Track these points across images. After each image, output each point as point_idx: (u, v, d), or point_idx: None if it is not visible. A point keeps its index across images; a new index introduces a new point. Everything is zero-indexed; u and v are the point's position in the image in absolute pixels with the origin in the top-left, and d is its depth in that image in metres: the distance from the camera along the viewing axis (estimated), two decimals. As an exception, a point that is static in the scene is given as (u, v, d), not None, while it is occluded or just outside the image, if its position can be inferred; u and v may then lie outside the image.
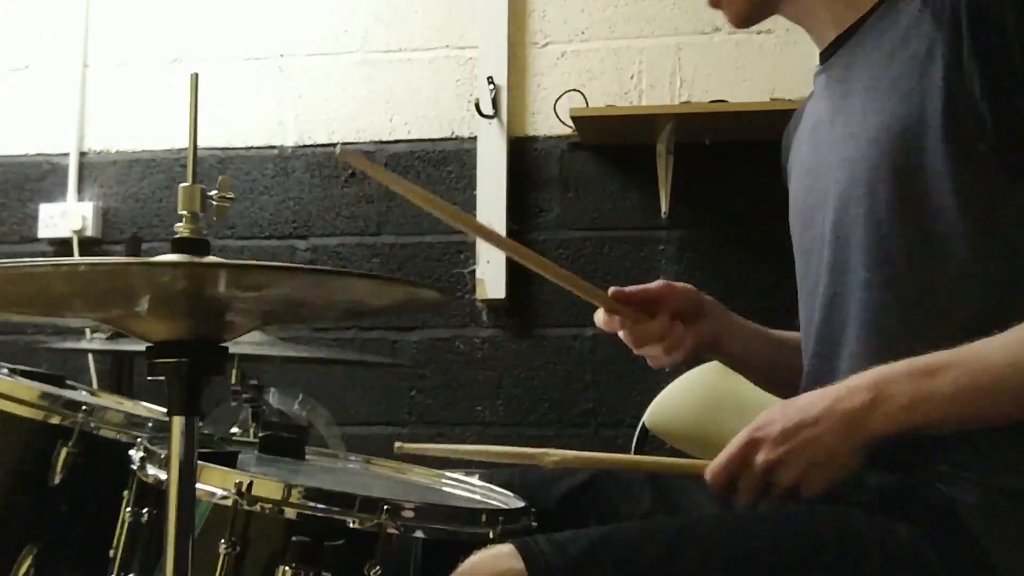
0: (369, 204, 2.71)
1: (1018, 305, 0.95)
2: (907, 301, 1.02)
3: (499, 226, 2.58)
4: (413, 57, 2.73)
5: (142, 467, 1.12)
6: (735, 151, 2.51)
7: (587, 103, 2.57)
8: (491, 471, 1.28)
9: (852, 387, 0.97)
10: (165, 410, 0.88)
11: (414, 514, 0.98)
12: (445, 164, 2.68)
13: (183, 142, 2.77)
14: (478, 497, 1.23)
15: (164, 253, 0.87)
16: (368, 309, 1.04)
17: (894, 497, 1.00)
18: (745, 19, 1.19)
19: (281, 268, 0.87)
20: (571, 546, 0.94)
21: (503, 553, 0.93)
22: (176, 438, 0.87)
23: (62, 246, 2.82)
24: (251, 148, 2.78)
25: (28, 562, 1.25)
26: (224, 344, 0.91)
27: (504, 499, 1.17)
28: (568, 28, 2.65)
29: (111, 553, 1.15)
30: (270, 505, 0.98)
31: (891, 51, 1.04)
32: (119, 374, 2.65)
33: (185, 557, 0.86)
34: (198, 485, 0.93)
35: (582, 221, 2.60)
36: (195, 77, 0.88)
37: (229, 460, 1.11)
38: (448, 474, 1.31)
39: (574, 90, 2.59)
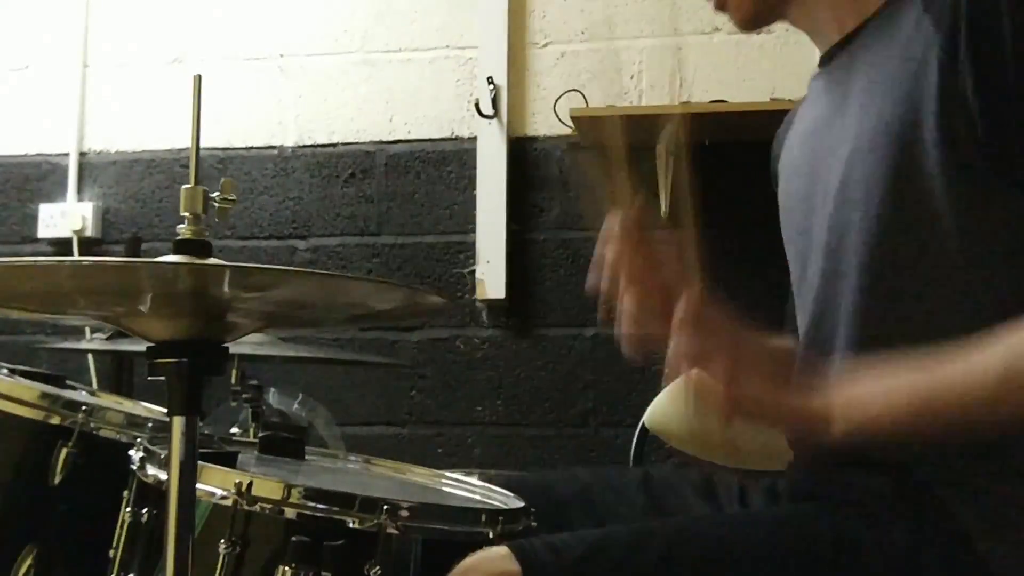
0: (369, 204, 2.71)
1: (1012, 308, 0.95)
2: (900, 304, 1.02)
3: (499, 226, 2.59)
4: (413, 57, 2.73)
5: (142, 467, 1.12)
6: (735, 151, 2.51)
7: (587, 103, 2.57)
8: (488, 474, 1.29)
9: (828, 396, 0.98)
10: (165, 410, 0.88)
11: (414, 514, 0.98)
12: (445, 164, 2.68)
13: (183, 142, 2.79)
14: (478, 497, 1.23)
15: (164, 253, 0.87)
16: (370, 313, 1.04)
17: (891, 500, 1.00)
18: (750, 22, 1.19)
19: (283, 271, 0.87)
20: (568, 550, 0.94)
21: (498, 555, 0.93)
22: (176, 438, 0.87)
23: (62, 246, 2.82)
24: (251, 148, 2.78)
25: (28, 562, 1.25)
26: (225, 344, 0.91)
27: (504, 499, 1.17)
28: (568, 28, 2.65)
29: (111, 553, 1.15)
30: (270, 505, 0.98)
31: (890, 54, 1.04)
32: (119, 374, 2.65)
33: (185, 557, 0.86)
34: (198, 485, 0.93)
35: (582, 221, 2.60)
36: (198, 79, 0.88)
37: (229, 460, 1.11)
38: (448, 474, 1.31)
39: (574, 90, 2.59)
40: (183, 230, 0.88)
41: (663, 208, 2.54)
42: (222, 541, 0.99)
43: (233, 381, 1.93)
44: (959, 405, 0.91)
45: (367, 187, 2.71)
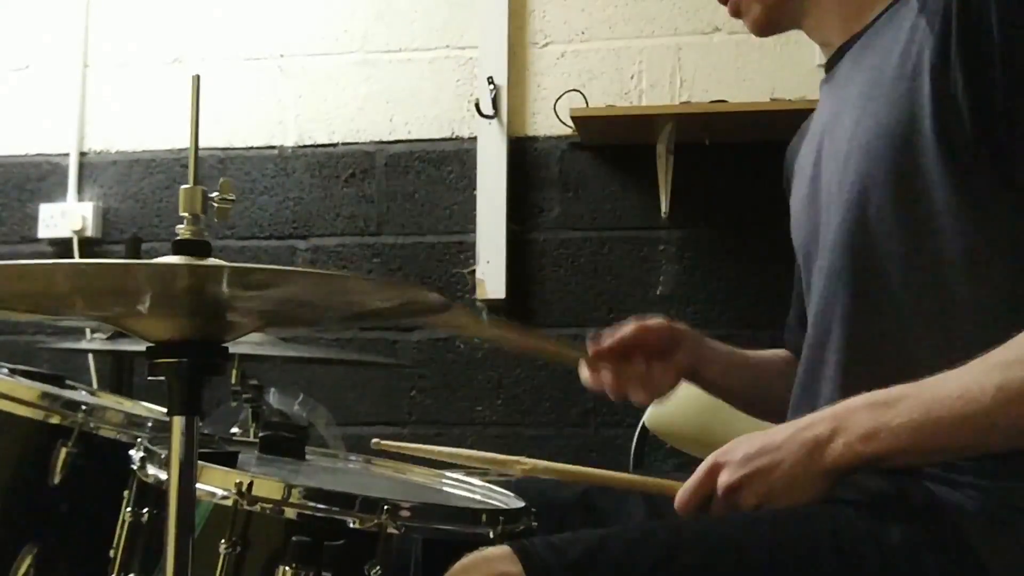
0: (369, 204, 2.71)
1: (1013, 308, 0.95)
2: (897, 307, 1.02)
3: (499, 226, 2.59)
4: (413, 57, 2.73)
5: (142, 467, 1.12)
6: (735, 151, 2.51)
7: (587, 103, 2.57)
8: (489, 478, 1.29)
9: (815, 418, 0.98)
10: (165, 410, 0.88)
11: (414, 514, 0.98)
12: (445, 164, 2.68)
13: (183, 142, 2.79)
14: (478, 497, 1.23)
15: (164, 253, 0.87)
16: (370, 312, 1.04)
17: (890, 500, 1.00)
18: (765, 28, 1.21)
19: (283, 270, 0.87)
20: (569, 549, 0.94)
21: (498, 555, 0.93)
22: (176, 438, 0.87)
23: (62, 246, 2.82)
24: (251, 148, 2.78)
25: (28, 562, 1.25)
26: (225, 344, 0.91)
27: (504, 499, 1.17)
28: (568, 28, 2.66)
29: (111, 553, 1.15)
30: (270, 505, 0.98)
31: (888, 57, 1.05)
32: (119, 374, 2.65)
33: (185, 557, 0.86)
34: (198, 485, 0.93)
35: (582, 221, 2.60)
36: (197, 79, 0.88)
37: (229, 460, 1.11)
38: (448, 474, 1.31)
39: (574, 90, 2.59)
40: (182, 230, 0.87)
41: (663, 208, 2.54)
42: (222, 541, 0.99)
43: (233, 381, 1.93)
44: (958, 428, 0.92)
45: (367, 187, 2.71)
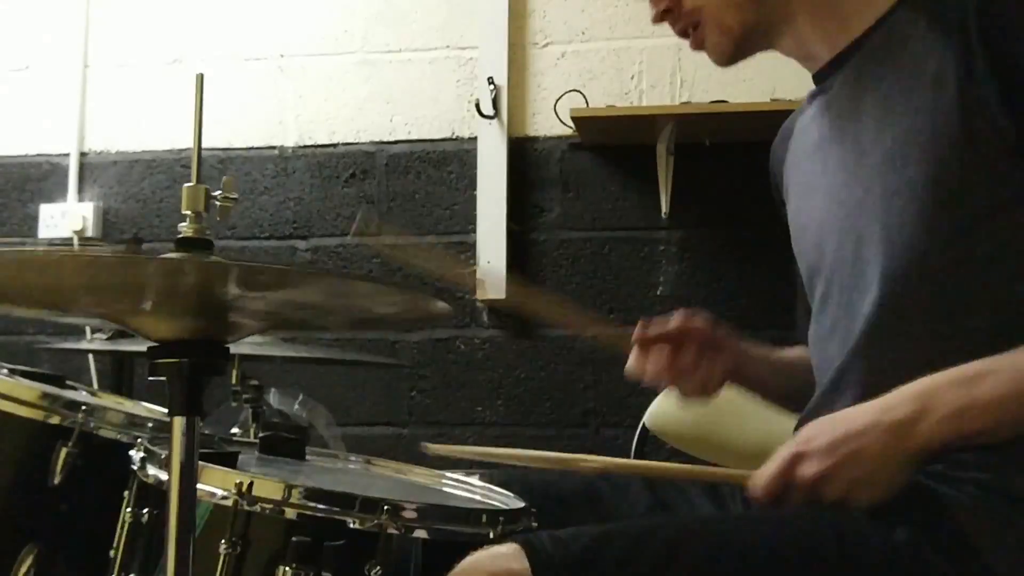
0: (369, 204, 2.71)
1: None
2: (922, 312, 1.02)
3: (499, 226, 2.59)
4: (413, 57, 2.73)
5: (142, 467, 1.12)
6: (735, 151, 2.51)
7: (587, 103, 2.57)
8: (490, 472, 1.28)
9: (898, 398, 0.96)
10: (165, 410, 0.88)
11: (414, 514, 0.98)
12: (445, 164, 2.68)
13: (183, 142, 2.79)
14: (478, 497, 1.23)
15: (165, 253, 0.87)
16: (373, 317, 1.04)
17: (894, 499, 1.00)
18: (730, 58, 1.18)
19: (289, 271, 0.87)
20: (574, 543, 0.94)
21: (504, 553, 0.93)
22: (177, 438, 0.87)
23: (62, 246, 2.82)
24: (251, 148, 2.78)
25: (28, 562, 1.25)
26: (226, 344, 0.91)
27: (504, 499, 1.17)
28: (568, 28, 2.65)
29: (111, 553, 1.15)
30: (270, 505, 0.98)
31: (902, 69, 1.04)
32: (119, 374, 2.65)
33: (185, 557, 0.86)
34: (198, 485, 0.93)
35: (582, 221, 2.60)
36: (200, 78, 0.88)
37: (229, 460, 1.11)
38: (448, 474, 1.31)
39: (574, 90, 2.59)
40: (185, 228, 0.87)
41: (663, 208, 2.54)
42: (222, 541, 0.99)
43: (233, 381, 1.93)
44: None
45: (367, 187, 2.71)
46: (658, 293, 2.54)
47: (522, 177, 2.63)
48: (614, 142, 2.60)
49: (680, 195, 2.53)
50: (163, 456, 1.07)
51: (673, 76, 2.59)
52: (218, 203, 0.89)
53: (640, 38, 2.62)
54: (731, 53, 1.17)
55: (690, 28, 1.18)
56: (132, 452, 1.16)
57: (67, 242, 2.80)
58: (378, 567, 0.95)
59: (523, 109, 2.65)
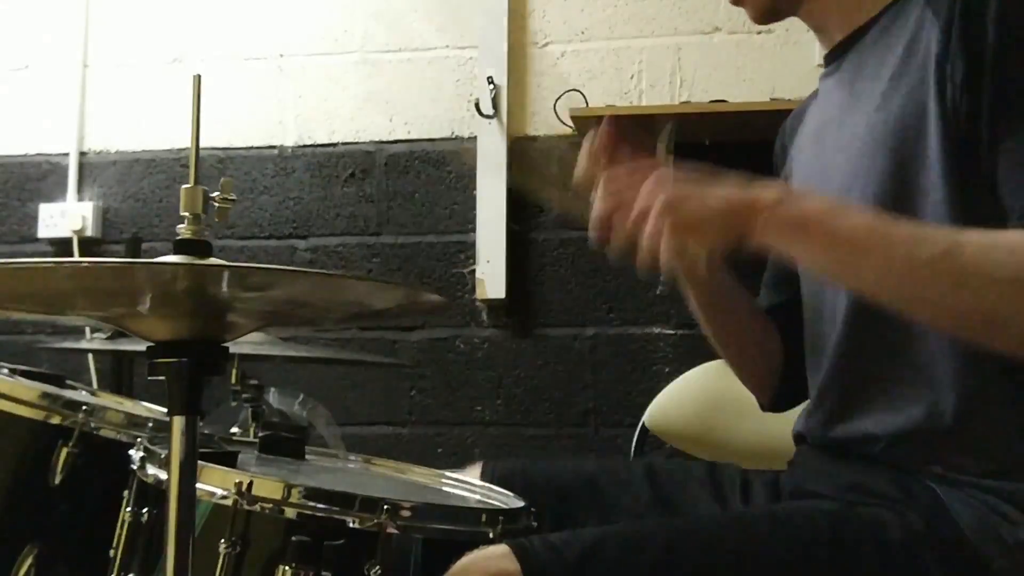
0: (369, 204, 2.71)
1: None
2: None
3: (499, 226, 2.59)
4: (413, 57, 2.73)
5: (142, 467, 1.12)
6: (735, 151, 2.51)
7: (587, 103, 2.57)
8: (492, 466, 1.28)
9: (772, 183, 0.98)
10: (165, 410, 0.88)
11: (414, 514, 0.98)
12: (445, 164, 2.68)
13: (183, 142, 2.79)
14: (478, 497, 1.23)
15: (164, 253, 0.87)
16: (370, 312, 1.04)
17: (890, 499, 1.00)
18: (767, 15, 1.20)
19: (284, 270, 0.87)
20: (567, 549, 0.94)
21: (497, 554, 0.93)
22: (176, 438, 0.87)
23: (62, 246, 2.82)
24: (251, 148, 2.78)
25: (28, 562, 1.25)
26: (225, 344, 0.91)
27: (504, 499, 1.17)
28: (568, 28, 2.65)
29: (111, 553, 1.15)
30: (270, 505, 0.98)
31: (896, 50, 1.05)
32: (119, 374, 2.65)
33: (185, 557, 0.86)
34: (198, 485, 0.93)
35: (582, 221, 2.60)
36: (198, 78, 0.88)
37: (229, 460, 1.11)
38: (448, 474, 1.31)
39: (574, 90, 2.59)
40: (183, 230, 0.87)
41: (663, 208, 2.53)
42: (222, 541, 0.99)
43: (233, 381, 1.93)
44: (888, 262, 0.91)
45: (367, 187, 2.71)
46: (658, 293, 2.54)
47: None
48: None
49: (680, 195, 2.52)
50: (163, 456, 1.07)
51: (673, 76, 2.59)
52: (216, 204, 0.89)
53: (640, 38, 2.62)
54: (767, 9, 1.19)
55: None
56: (132, 452, 1.16)
57: (66, 242, 2.80)
58: (378, 566, 0.95)
59: (523, 109, 2.65)
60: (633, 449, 2.11)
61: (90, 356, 2.72)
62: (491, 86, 2.60)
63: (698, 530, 1.02)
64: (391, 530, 0.96)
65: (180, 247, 0.87)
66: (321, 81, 2.76)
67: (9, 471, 1.32)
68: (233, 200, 0.90)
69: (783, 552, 0.97)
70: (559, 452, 2.54)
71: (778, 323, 1.28)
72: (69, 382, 1.55)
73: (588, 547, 0.95)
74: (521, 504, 1.11)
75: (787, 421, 1.25)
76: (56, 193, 2.85)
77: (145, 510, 1.13)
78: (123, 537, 1.14)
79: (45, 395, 1.31)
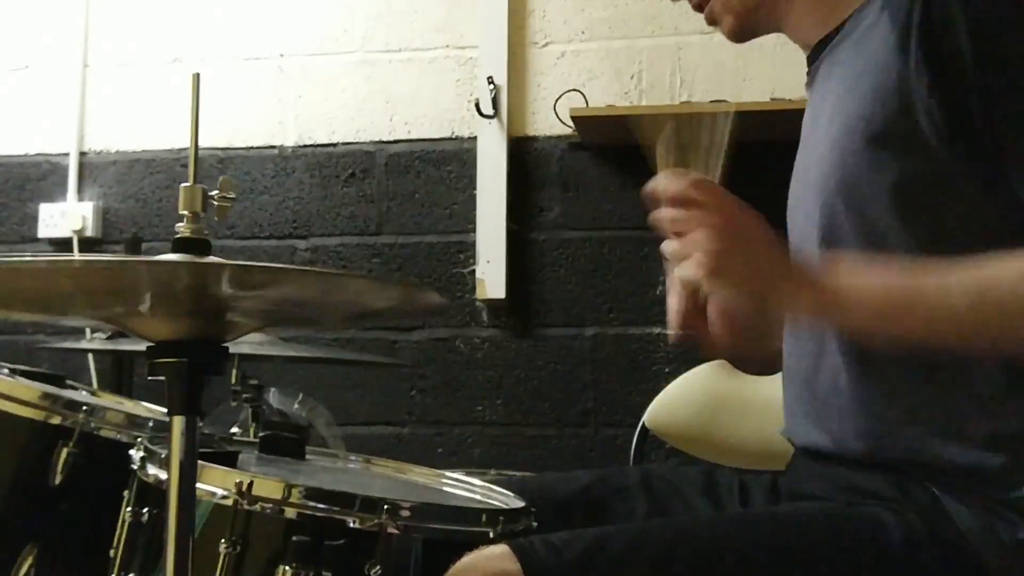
0: (369, 204, 2.71)
1: None
2: None
3: (499, 226, 2.59)
4: (413, 57, 2.73)
5: (142, 467, 1.12)
6: (735, 151, 2.50)
7: (587, 103, 2.57)
8: (488, 477, 1.29)
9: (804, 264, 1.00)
10: (165, 410, 0.88)
11: (414, 514, 0.98)
12: (445, 164, 2.68)
13: (183, 142, 2.79)
14: (478, 497, 1.23)
15: (164, 253, 0.87)
16: (369, 311, 1.04)
17: (890, 501, 1.00)
18: (738, 35, 1.23)
19: (283, 269, 0.87)
20: (567, 549, 0.94)
21: (497, 554, 0.93)
22: (176, 438, 0.87)
23: (62, 246, 2.82)
24: (251, 148, 2.78)
25: (28, 562, 1.25)
26: (225, 344, 0.91)
27: (504, 499, 1.17)
28: (568, 28, 2.65)
29: (111, 553, 1.15)
30: (270, 505, 0.98)
31: (856, 56, 1.06)
32: (119, 374, 2.65)
33: (185, 557, 0.86)
34: (198, 485, 0.93)
35: (582, 221, 2.60)
36: (196, 77, 0.88)
37: (229, 460, 1.11)
38: (448, 474, 1.31)
39: (574, 90, 2.59)
40: (182, 229, 0.87)
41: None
42: (222, 541, 0.99)
43: (233, 381, 1.93)
44: (927, 318, 0.93)
45: (367, 187, 2.71)
46: (658, 293, 2.54)
47: (522, 177, 2.62)
48: (614, 142, 2.60)
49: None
50: (163, 456, 1.07)
51: (673, 76, 2.59)
52: (215, 203, 0.89)
53: (640, 38, 2.62)
54: (737, 30, 1.22)
55: (704, 3, 1.24)
56: (132, 452, 1.16)
57: (66, 242, 2.80)
58: (378, 566, 0.95)
59: (523, 109, 2.65)
60: (633, 449, 2.11)
61: (90, 356, 2.72)
62: (491, 86, 2.60)
63: (698, 530, 1.02)
64: (391, 530, 0.96)
65: (179, 246, 0.87)
66: (321, 81, 2.76)
67: (9, 471, 1.32)
68: (233, 198, 0.90)
69: (783, 552, 0.97)
70: (559, 452, 2.54)
71: None
72: (69, 382, 1.55)
73: (588, 547, 0.95)
74: (521, 504, 1.11)
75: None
76: (56, 193, 2.85)
77: (145, 510, 1.13)
78: (123, 537, 1.14)
79: (45, 395, 1.30)
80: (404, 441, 2.62)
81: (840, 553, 0.97)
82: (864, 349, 1.04)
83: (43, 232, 2.83)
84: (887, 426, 1.02)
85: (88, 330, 2.56)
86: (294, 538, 0.96)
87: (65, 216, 2.80)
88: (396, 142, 2.72)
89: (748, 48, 2.54)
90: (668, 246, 1.01)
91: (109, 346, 2.18)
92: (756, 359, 1.31)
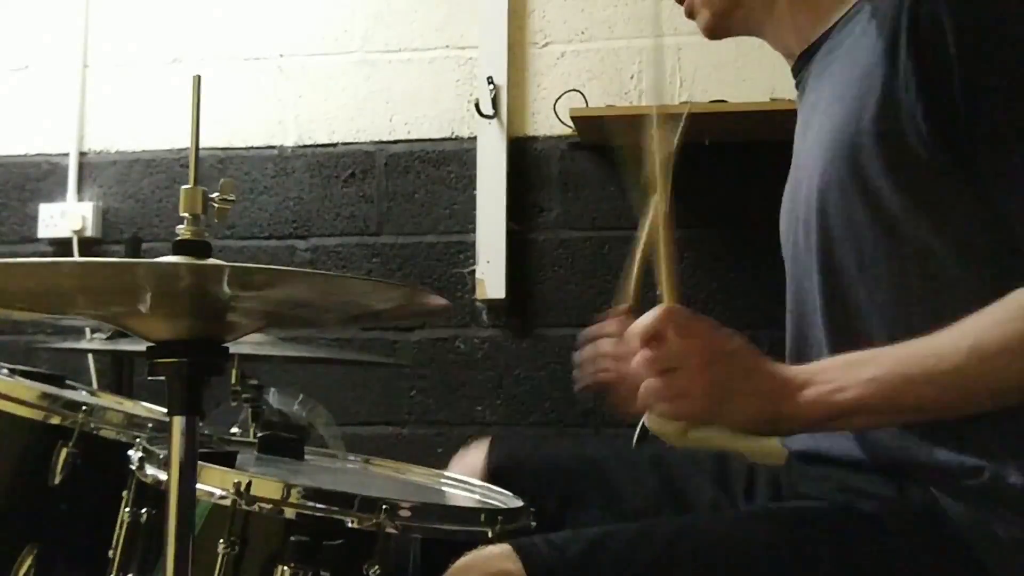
0: (369, 204, 2.71)
1: (969, 304, 0.95)
2: (857, 306, 1.03)
3: (499, 226, 2.59)
4: (413, 57, 2.73)
5: (141, 467, 1.12)
6: (735, 151, 2.51)
7: (587, 103, 2.57)
8: (498, 446, 1.29)
9: (794, 368, 0.98)
10: (165, 410, 0.89)
11: (413, 514, 0.98)
12: (445, 164, 2.68)
13: (183, 142, 2.79)
14: (477, 497, 1.23)
15: (164, 253, 0.87)
16: (370, 312, 1.04)
17: (891, 502, 1.00)
18: (713, 32, 1.24)
19: (284, 270, 0.87)
20: (569, 547, 0.94)
21: (498, 553, 0.93)
22: (176, 438, 0.87)
23: (62, 246, 2.82)
24: (251, 148, 2.78)
25: (28, 562, 1.25)
26: (225, 344, 0.91)
27: (503, 499, 1.18)
28: (568, 28, 2.66)
29: (111, 553, 1.15)
30: (269, 505, 0.99)
31: (844, 63, 1.06)
32: (119, 374, 2.65)
33: (185, 557, 0.86)
34: (197, 485, 0.93)
35: (582, 221, 2.60)
36: (197, 79, 0.88)
37: (228, 460, 1.11)
38: (447, 474, 1.32)
39: (574, 90, 2.59)
40: (182, 230, 0.88)
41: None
42: (221, 541, 0.99)
43: (233, 381, 1.93)
44: (926, 383, 0.91)
45: (367, 187, 2.71)
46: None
47: (522, 177, 2.63)
48: (614, 142, 2.59)
49: (680, 195, 2.52)
50: (162, 456, 1.08)
51: (672, 76, 2.59)
52: (215, 205, 0.89)
53: (640, 38, 2.62)
54: (714, 28, 1.23)
55: None
56: (131, 452, 1.16)
57: (66, 242, 2.80)
58: (377, 566, 0.96)
59: (523, 109, 2.65)
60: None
61: (90, 356, 2.72)
62: (491, 86, 2.60)
63: (699, 529, 1.02)
64: (390, 530, 0.97)
65: (179, 248, 0.87)
66: (321, 81, 2.76)
67: (9, 471, 1.33)
68: (232, 200, 0.90)
69: (782, 551, 0.97)
70: (559, 452, 2.54)
71: None
72: (69, 382, 1.55)
73: (590, 546, 0.95)
74: (520, 504, 1.11)
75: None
76: (56, 193, 2.85)
77: (144, 510, 1.13)
78: (122, 537, 1.14)
79: (45, 395, 1.31)
80: (404, 441, 2.62)
81: (840, 551, 0.97)
82: (838, 347, 1.04)
83: (43, 232, 2.83)
84: (883, 430, 1.02)
85: (88, 330, 2.56)
86: (293, 538, 0.97)
87: (65, 216, 2.80)
88: (396, 142, 2.72)
89: (748, 48, 2.55)
90: (648, 389, 0.97)
91: (109, 346, 2.18)
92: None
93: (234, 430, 1.90)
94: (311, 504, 0.98)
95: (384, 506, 0.96)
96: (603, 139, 2.59)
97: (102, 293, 0.87)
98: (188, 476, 0.88)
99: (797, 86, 1.20)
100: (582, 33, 2.65)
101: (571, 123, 2.53)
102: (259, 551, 1.01)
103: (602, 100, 2.58)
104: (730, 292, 2.52)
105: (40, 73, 2.92)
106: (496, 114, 2.60)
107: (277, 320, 1.14)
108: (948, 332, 0.91)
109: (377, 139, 2.72)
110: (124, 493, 1.16)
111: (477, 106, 2.61)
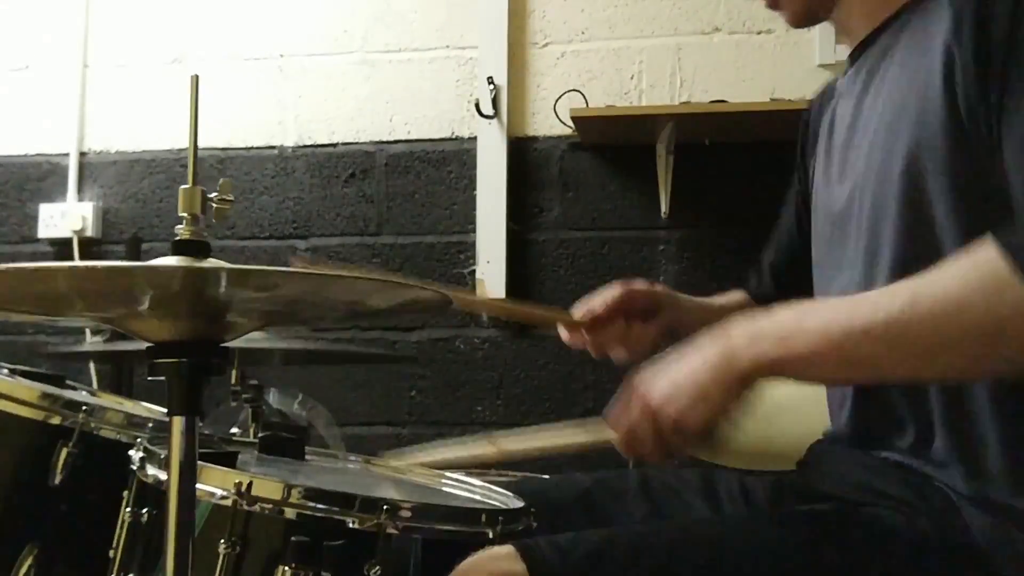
0: (369, 204, 2.71)
1: None
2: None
3: (499, 226, 2.59)
4: (413, 57, 2.73)
5: (142, 467, 1.12)
6: (735, 151, 2.51)
7: (587, 103, 2.57)
8: (488, 475, 1.29)
9: (728, 331, 0.98)
10: (165, 410, 0.88)
11: (414, 514, 0.98)
12: (445, 164, 2.68)
13: (183, 142, 2.79)
14: (478, 497, 1.23)
15: (164, 253, 0.87)
16: (369, 310, 1.04)
17: (901, 502, 0.99)
18: (803, 19, 1.21)
19: (282, 271, 0.87)
20: (573, 550, 0.94)
21: (502, 555, 0.93)
22: (176, 438, 0.87)
23: (62, 246, 2.82)
24: (251, 148, 2.78)
25: (28, 562, 1.25)
26: (225, 344, 0.91)
27: (504, 499, 1.17)
28: (568, 28, 2.66)
29: (111, 553, 1.15)
30: (270, 505, 0.98)
31: (914, 46, 1.05)
32: (119, 374, 2.65)
33: (185, 557, 0.86)
34: (198, 485, 0.93)
35: (582, 221, 2.60)
36: (196, 79, 0.88)
37: (229, 460, 1.11)
38: (448, 474, 1.31)
39: (574, 90, 2.59)
40: (181, 231, 0.87)
41: (663, 208, 2.54)
42: (222, 541, 0.99)
43: (233, 381, 1.93)
44: (867, 333, 0.89)
45: (367, 187, 2.71)
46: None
47: (522, 177, 2.63)
48: (614, 142, 2.60)
49: (680, 195, 2.53)
50: (163, 456, 1.07)
51: (673, 76, 2.59)
52: (215, 205, 0.89)
53: (640, 38, 2.62)
54: (804, 14, 1.21)
55: None
56: (132, 452, 1.16)
57: (66, 242, 2.80)
58: (377, 567, 0.95)
59: (523, 109, 2.65)
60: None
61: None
62: (491, 86, 2.60)
63: (704, 532, 1.02)
64: (391, 530, 0.96)
65: (179, 248, 0.87)
66: (321, 81, 2.77)
67: (9, 471, 1.32)
68: (231, 200, 0.90)
69: (788, 554, 0.96)
70: (559, 453, 2.54)
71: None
72: (69, 382, 1.55)
73: (594, 548, 0.95)
74: (521, 504, 1.11)
75: (790, 421, 1.25)
76: (56, 193, 2.85)
77: (145, 510, 1.13)
78: (123, 537, 1.14)
79: (45, 395, 1.31)
80: (404, 441, 2.62)
81: (845, 557, 0.96)
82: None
83: (43, 232, 2.83)
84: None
85: (88, 331, 2.56)
86: (293, 538, 0.96)
87: (65, 216, 2.80)
88: (396, 142, 2.72)
89: (748, 48, 2.55)
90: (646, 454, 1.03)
91: (109, 347, 2.18)
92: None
93: (234, 430, 1.90)
94: (312, 504, 0.98)
95: (385, 506, 0.96)
96: (603, 139, 2.59)
97: (100, 296, 0.86)
98: (188, 476, 0.88)
99: (855, 65, 1.18)
100: (582, 33, 2.65)
101: (571, 123, 2.54)
102: (260, 551, 1.00)
103: (602, 100, 2.58)
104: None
105: (40, 73, 2.92)
106: (496, 114, 2.60)
107: (277, 320, 1.14)
108: (895, 285, 0.91)
109: (377, 139, 2.72)
110: (125, 493, 1.16)
111: (477, 106, 2.61)
